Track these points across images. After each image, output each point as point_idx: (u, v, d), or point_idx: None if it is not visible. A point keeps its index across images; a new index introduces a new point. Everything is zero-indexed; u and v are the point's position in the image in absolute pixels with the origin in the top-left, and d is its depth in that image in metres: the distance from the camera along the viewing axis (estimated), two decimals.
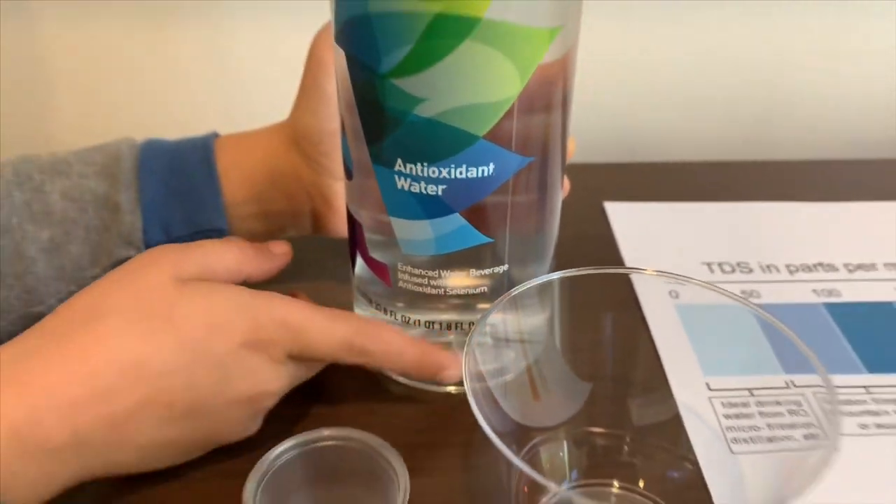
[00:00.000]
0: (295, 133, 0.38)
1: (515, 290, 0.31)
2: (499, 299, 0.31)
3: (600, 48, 0.60)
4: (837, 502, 0.33)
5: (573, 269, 0.33)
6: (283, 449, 0.29)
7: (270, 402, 0.33)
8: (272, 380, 0.32)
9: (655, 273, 0.34)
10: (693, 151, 0.64)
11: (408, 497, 0.27)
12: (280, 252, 0.37)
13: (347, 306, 0.40)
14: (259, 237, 0.40)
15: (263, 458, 0.29)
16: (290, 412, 0.34)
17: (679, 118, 0.64)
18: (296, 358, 0.33)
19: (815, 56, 0.61)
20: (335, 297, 0.42)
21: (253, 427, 0.33)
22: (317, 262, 0.46)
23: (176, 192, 0.38)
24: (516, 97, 0.29)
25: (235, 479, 0.29)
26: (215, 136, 0.40)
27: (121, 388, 0.28)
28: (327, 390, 0.37)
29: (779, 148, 0.64)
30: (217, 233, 0.38)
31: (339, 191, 0.38)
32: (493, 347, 0.33)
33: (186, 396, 0.30)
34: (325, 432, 0.29)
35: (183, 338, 0.30)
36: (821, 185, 0.55)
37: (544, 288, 0.34)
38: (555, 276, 0.33)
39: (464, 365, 0.28)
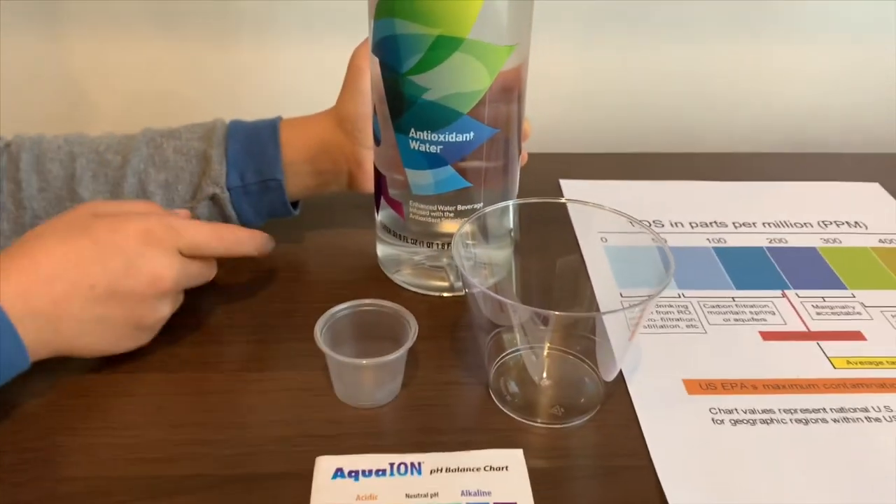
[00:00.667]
0: (339, 116, 0.55)
1: (486, 209, 0.47)
2: (472, 214, 0.47)
3: (570, 66, 0.76)
4: (710, 374, 0.48)
5: (528, 198, 0.49)
6: (340, 308, 0.45)
7: (170, 285, 0.44)
8: (166, 265, 0.44)
9: (583, 203, 0.49)
10: (634, 145, 0.80)
11: (416, 333, 0.44)
12: (182, 213, 0.49)
13: (369, 245, 0.57)
14: (312, 189, 0.56)
15: (327, 312, 0.45)
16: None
17: (622, 119, 0.80)
18: (185, 254, 0.45)
19: (733, 75, 0.78)
20: (359, 237, 0.59)
21: (163, 308, 0.45)
22: (345, 215, 0.62)
23: (250, 152, 0.54)
24: (487, 89, 0.46)
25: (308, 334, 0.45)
26: (280, 118, 0.56)
27: (56, 274, 0.41)
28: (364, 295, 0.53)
29: (697, 143, 0.81)
30: (276, 182, 0.54)
31: (368, 157, 0.55)
32: (473, 267, 0.49)
33: (103, 278, 0.42)
34: (366, 300, 0.46)
35: (94, 238, 0.42)
36: (727, 170, 0.72)
37: (506, 230, 0.50)
38: (512, 202, 0.49)
39: (460, 266, 0.43)
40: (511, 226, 0.50)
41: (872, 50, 0.77)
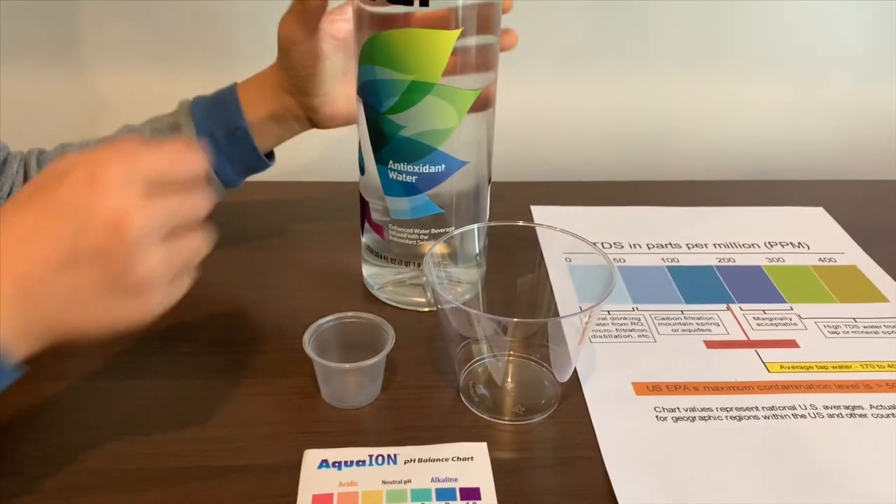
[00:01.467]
0: (281, 78, 0.59)
1: (455, 231, 0.53)
2: (443, 236, 0.53)
3: (543, 102, 0.83)
4: (657, 377, 0.54)
5: (496, 221, 0.55)
6: (326, 320, 0.51)
7: (137, 225, 0.37)
8: (125, 205, 0.37)
9: (539, 225, 0.56)
10: (601, 174, 0.86)
11: (394, 340, 0.49)
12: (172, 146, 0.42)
13: (356, 265, 0.63)
14: (278, 136, 0.62)
15: (314, 324, 0.51)
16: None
17: (591, 150, 0.86)
18: (154, 187, 0.38)
19: (691, 109, 0.85)
20: (347, 259, 0.65)
21: (145, 258, 0.37)
22: (334, 239, 0.68)
23: (214, 112, 0.59)
24: (457, 126, 0.52)
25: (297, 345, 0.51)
26: (236, 83, 0.61)
27: (16, 252, 0.37)
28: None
29: (659, 172, 0.87)
30: (242, 130, 0.59)
31: (322, 103, 0.59)
32: (445, 285, 0.55)
33: (58, 246, 0.37)
34: (349, 313, 0.52)
35: (42, 201, 0.38)
36: (686, 196, 0.78)
37: (473, 251, 0.56)
38: (477, 225, 0.55)
39: (431, 283, 0.49)
40: (477, 248, 0.56)
41: (818, 84, 0.83)
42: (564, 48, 0.81)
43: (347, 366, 0.48)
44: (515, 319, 0.46)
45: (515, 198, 0.77)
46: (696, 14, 0.79)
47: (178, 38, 0.79)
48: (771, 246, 0.70)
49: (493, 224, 0.55)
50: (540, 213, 0.75)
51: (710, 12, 0.79)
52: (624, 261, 0.67)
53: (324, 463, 0.45)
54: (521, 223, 0.56)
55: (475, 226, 0.55)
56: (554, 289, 0.59)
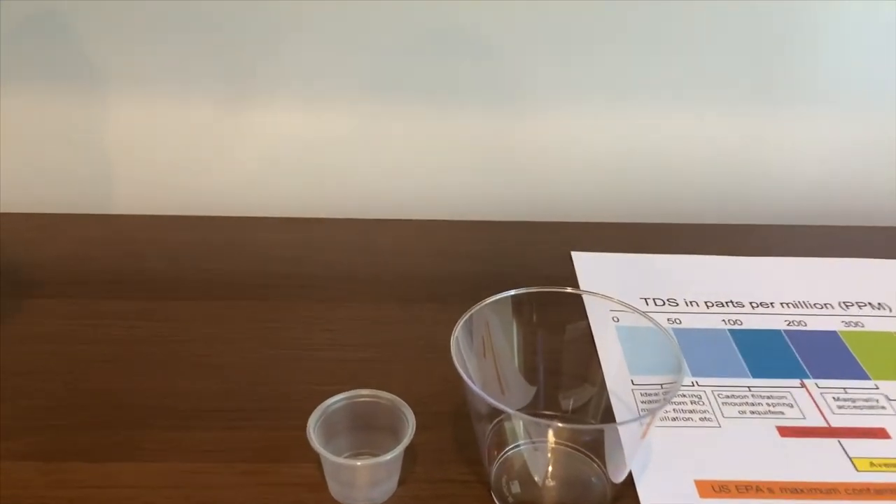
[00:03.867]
0: None
1: (489, 300, 0.45)
2: (474, 306, 0.45)
3: (581, 135, 0.75)
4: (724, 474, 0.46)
5: (535, 287, 0.47)
6: (334, 400, 0.43)
7: None
8: None
9: (591, 293, 0.48)
10: (646, 214, 0.77)
11: (414, 430, 0.42)
12: None
13: (381, 320, 0.55)
14: None
15: (321, 405, 0.43)
16: (339, 388, 0.48)
17: (634, 187, 0.78)
18: None
19: (752, 145, 0.76)
20: (375, 310, 0.57)
21: None
22: (346, 285, 0.61)
23: None
24: None
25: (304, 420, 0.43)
26: None
27: None
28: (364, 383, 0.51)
29: (713, 215, 0.78)
30: None
31: None
32: (471, 352, 0.46)
33: None
34: (363, 391, 0.44)
35: None
36: (743, 243, 0.69)
37: (507, 310, 0.48)
38: (513, 292, 0.47)
39: (457, 360, 0.42)
40: (512, 313, 0.48)
41: None
42: (609, 77, 0.73)
43: (359, 463, 0.40)
44: (559, 424, 0.38)
45: (552, 241, 0.69)
46: (754, 43, 0.71)
47: (189, 64, 0.72)
48: (846, 307, 0.61)
49: (531, 291, 0.47)
50: (581, 260, 0.67)
51: (769, 42, 0.71)
52: (680, 322, 0.59)
53: None
54: (569, 290, 0.48)
55: (510, 293, 0.47)
56: (600, 356, 0.51)
